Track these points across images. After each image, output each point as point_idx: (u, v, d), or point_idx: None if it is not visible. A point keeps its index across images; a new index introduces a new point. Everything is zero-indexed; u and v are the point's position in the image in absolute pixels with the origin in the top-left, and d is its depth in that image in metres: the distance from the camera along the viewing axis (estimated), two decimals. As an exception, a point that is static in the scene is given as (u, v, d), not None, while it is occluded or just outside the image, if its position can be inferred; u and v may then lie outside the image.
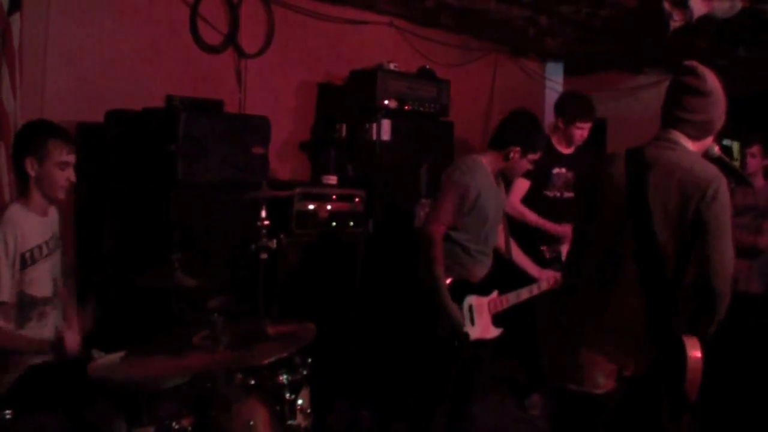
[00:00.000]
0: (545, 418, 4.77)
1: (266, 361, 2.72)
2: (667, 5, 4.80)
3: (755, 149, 4.74)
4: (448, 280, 3.58)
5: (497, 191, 3.77)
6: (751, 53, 5.76)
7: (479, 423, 4.21)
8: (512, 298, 3.81)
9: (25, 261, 2.91)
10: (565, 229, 4.55)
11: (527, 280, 3.94)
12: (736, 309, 2.66)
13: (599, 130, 6.24)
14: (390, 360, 4.59)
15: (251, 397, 2.92)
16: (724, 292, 2.53)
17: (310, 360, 3.20)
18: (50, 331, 3.02)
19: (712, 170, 2.59)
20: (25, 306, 2.93)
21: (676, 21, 4.84)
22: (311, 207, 4.58)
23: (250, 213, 3.45)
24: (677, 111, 2.69)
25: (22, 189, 3.02)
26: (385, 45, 5.85)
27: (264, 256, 3.46)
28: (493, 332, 3.76)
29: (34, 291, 2.95)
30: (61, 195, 3.03)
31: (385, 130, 5.15)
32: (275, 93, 5.24)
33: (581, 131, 4.85)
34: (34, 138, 2.97)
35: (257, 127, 4.32)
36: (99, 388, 2.75)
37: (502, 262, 3.96)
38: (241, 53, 5.00)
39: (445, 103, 5.56)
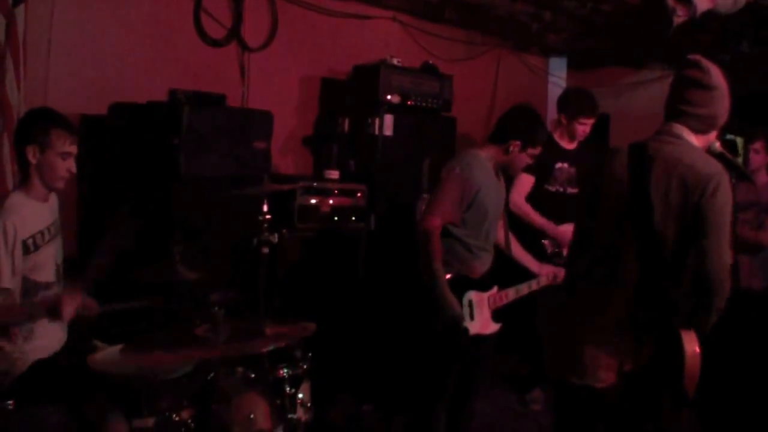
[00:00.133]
0: (546, 412, 4.78)
1: (265, 350, 2.72)
2: (670, 1, 4.79)
3: (758, 145, 4.73)
4: (448, 276, 3.56)
5: (497, 186, 3.76)
6: (754, 49, 5.75)
7: (480, 418, 4.21)
8: (512, 293, 3.80)
9: (28, 247, 2.91)
10: (565, 231, 4.56)
11: (527, 275, 3.93)
12: (737, 305, 2.66)
13: (602, 126, 6.23)
14: (392, 355, 4.59)
15: (251, 391, 2.93)
16: (721, 287, 2.53)
17: (310, 354, 3.21)
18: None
19: (715, 166, 2.59)
20: (29, 291, 2.94)
21: (680, 17, 4.83)
22: (313, 201, 4.58)
23: (252, 207, 3.45)
24: (681, 104, 2.69)
25: (23, 176, 3.03)
26: (388, 40, 5.84)
27: (265, 250, 3.46)
28: (493, 327, 3.75)
29: (37, 276, 2.95)
30: (61, 185, 3.04)
31: (387, 125, 5.15)
32: (278, 87, 5.24)
33: (583, 127, 4.85)
34: (37, 126, 2.97)
35: (260, 122, 4.32)
36: (99, 381, 2.76)
37: (503, 258, 3.96)
38: (244, 47, 5.01)
39: (448, 98, 5.55)
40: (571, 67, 7.64)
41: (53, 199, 3.14)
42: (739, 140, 4.70)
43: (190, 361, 2.89)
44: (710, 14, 4.89)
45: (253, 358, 3.04)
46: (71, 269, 3.22)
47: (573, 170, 4.86)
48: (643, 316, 2.61)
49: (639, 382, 2.70)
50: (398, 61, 5.26)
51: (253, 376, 3.02)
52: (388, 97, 5.07)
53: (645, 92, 6.90)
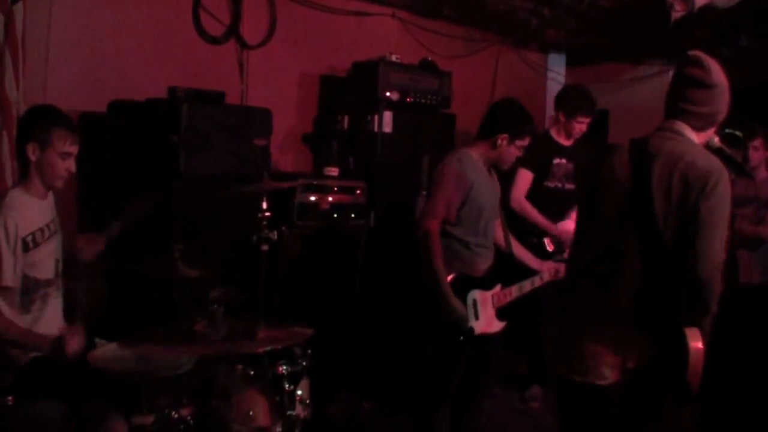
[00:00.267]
0: (546, 410, 4.79)
1: (262, 350, 2.73)
2: (668, -4, 4.80)
3: (758, 142, 4.73)
4: (451, 276, 3.57)
5: (490, 182, 3.77)
6: (752, 43, 5.74)
7: (480, 415, 4.22)
8: (515, 290, 3.81)
9: (27, 245, 2.91)
10: (566, 229, 4.57)
11: (530, 272, 3.93)
12: (737, 299, 2.66)
13: (601, 121, 6.24)
14: (392, 353, 4.60)
15: (251, 388, 2.93)
16: (711, 285, 2.52)
17: (309, 351, 3.21)
18: (51, 313, 3.04)
19: (715, 163, 2.58)
20: (29, 289, 2.94)
21: (678, 11, 4.84)
22: (313, 199, 4.58)
23: (252, 204, 3.45)
24: (681, 103, 2.68)
25: (23, 173, 3.02)
26: (387, 37, 5.84)
27: (265, 247, 3.46)
28: (498, 326, 3.76)
29: (37, 273, 2.95)
30: (59, 184, 3.03)
31: (386, 122, 5.15)
32: (277, 85, 5.24)
33: (581, 125, 4.86)
34: (38, 124, 2.96)
35: (259, 119, 4.32)
36: (98, 377, 2.77)
37: (504, 256, 3.96)
38: (243, 45, 5.00)
39: (447, 95, 5.55)
40: (570, 63, 7.64)
41: (51, 196, 3.14)
42: (739, 133, 4.69)
43: (189, 359, 2.90)
44: (708, 9, 4.89)
45: (253, 355, 3.04)
46: (70, 266, 3.22)
47: (571, 166, 4.87)
48: (646, 314, 2.61)
49: (643, 380, 2.70)
50: (397, 58, 5.26)
51: (252, 373, 3.02)
52: (387, 94, 5.08)
53: (644, 88, 6.91)
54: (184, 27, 4.69)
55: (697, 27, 5.49)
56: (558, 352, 2.90)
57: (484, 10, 5.97)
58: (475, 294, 3.66)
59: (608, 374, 2.68)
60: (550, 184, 4.85)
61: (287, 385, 3.04)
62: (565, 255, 4.14)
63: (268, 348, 2.67)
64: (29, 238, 2.92)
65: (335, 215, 4.71)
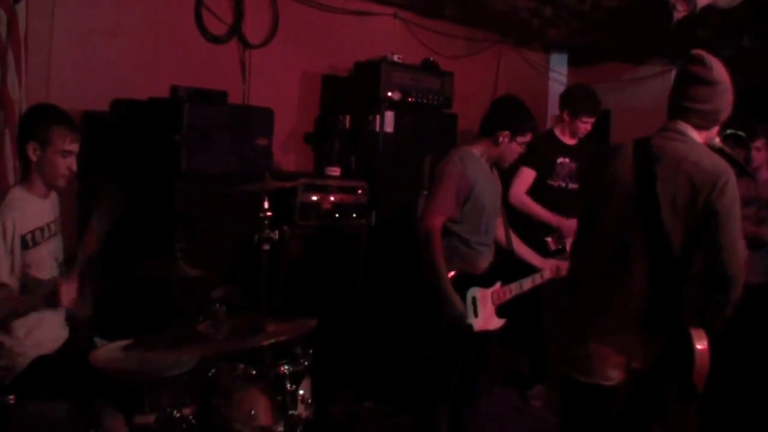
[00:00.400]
0: (547, 409, 4.79)
1: (266, 342, 2.72)
2: (670, -4, 4.80)
3: (760, 143, 4.72)
4: (451, 273, 3.57)
5: (493, 180, 3.77)
6: (754, 43, 5.74)
7: (481, 414, 4.22)
8: (515, 288, 3.81)
9: (26, 243, 2.91)
10: (569, 223, 4.57)
11: (530, 270, 3.94)
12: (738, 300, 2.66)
13: (603, 121, 6.23)
14: (393, 352, 4.60)
15: (252, 387, 2.93)
16: (738, 281, 2.55)
17: (311, 351, 3.21)
18: (51, 313, 3.03)
19: (721, 163, 2.59)
20: (29, 287, 2.94)
21: (680, 11, 4.83)
22: (314, 198, 4.58)
23: (253, 204, 3.45)
24: (684, 101, 2.68)
25: (24, 172, 3.03)
26: (389, 36, 5.84)
27: (266, 247, 3.46)
28: (497, 323, 3.76)
29: (36, 272, 2.95)
30: (61, 183, 3.03)
31: (388, 121, 5.15)
32: (279, 84, 5.24)
33: (585, 125, 4.87)
34: (38, 123, 2.96)
35: (261, 119, 4.32)
36: (100, 376, 2.77)
37: (505, 254, 3.96)
38: (245, 44, 5.00)
39: (449, 95, 5.55)
40: (572, 62, 7.63)
41: (54, 196, 3.14)
42: (741, 134, 4.69)
43: (191, 358, 2.90)
44: (710, 9, 4.89)
45: (254, 355, 3.04)
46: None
47: (574, 165, 4.88)
48: (652, 314, 2.61)
49: (648, 380, 2.70)
50: (399, 58, 5.26)
51: (254, 372, 3.02)
52: (389, 94, 5.08)
53: (646, 88, 6.91)
54: (187, 26, 4.69)
55: (699, 27, 5.49)
56: (562, 352, 2.90)
57: (485, 10, 5.97)
58: (475, 291, 3.66)
59: (613, 375, 2.68)
60: (554, 183, 4.86)
61: (289, 385, 3.03)
62: (567, 250, 4.16)
63: (272, 341, 2.66)
64: (28, 236, 2.92)
65: (337, 215, 4.71)
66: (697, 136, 2.68)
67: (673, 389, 2.66)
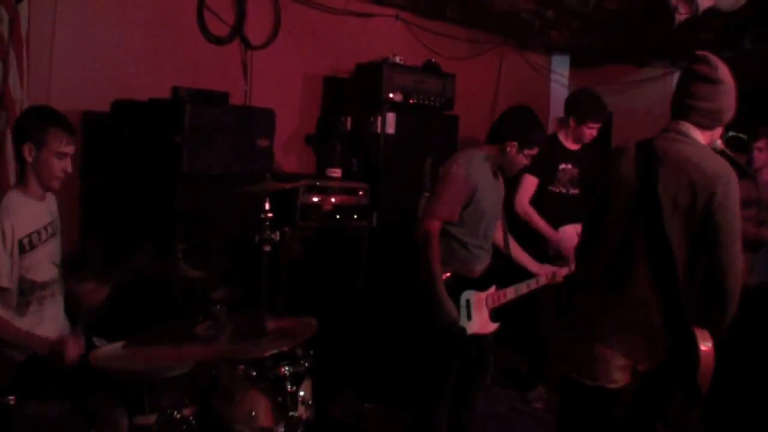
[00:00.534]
0: (548, 411, 4.78)
1: (267, 354, 2.73)
2: (673, -2, 4.80)
3: (762, 143, 4.72)
4: (446, 275, 3.57)
5: (495, 185, 3.77)
6: (756, 45, 5.74)
7: (482, 415, 4.22)
8: (511, 292, 3.80)
9: (24, 246, 2.91)
10: (564, 240, 4.57)
11: (526, 274, 3.93)
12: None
13: (605, 124, 6.22)
14: (393, 353, 4.60)
15: (253, 388, 2.93)
16: (734, 292, 2.54)
17: (311, 352, 3.21)
18: (49, 315, 3.04)
19: (723, 166, 2.58)
20: (26, 291, 2.94)
21: (682, 14, 4.83)
22: (315, 200, 4.58)
23: (254, 205, 3.46)
24: (687, 99, 2.67)
25: (21, 174, 3.02)
26: (391, 38, 5.84)
27: (267, 248, 3.46)
28: (491, 327, 3.75)
29: (33, 276, 2.94)
30: (56, 185, 3.02)
31: (390, 123, 5.15)
32: (281, 85, 5.24)
33: (591, 131, 4.84)
34: (34, 124, 2.95)
35: (262, 120, 4.32)
36: (101, 377, 2.77)
37: (502, 257, 3.96)
38: (247, 45, 5.00)
39: (450, 96, 5.55)
40: (574, 65, 7.64)
41: (51, 198, 3.13)
42: (743, 136, 4.69)
43: (191, 361, 2.89)
44: (712, 11, 4.89)
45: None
46: (72, 269, 3.22)
47: (576, 171, 4.87)
48: (656, 316, 2.61)
49: (652, 382, 2.69)
50: (401, 60, 5.26)
51: (254, 373, 3.01)
52: (391, 95, 5.08)
53: (648, 90, 6.91)
54: (188, 27, 4.69)
55: (701, 30, 5.49)
56: (565, 354, 2.90)
57: (487, 12, 5.97)
58: (469, 294, 3.66)
59: (618, 377, 2.68)
60: (555, 189, 4.85)
61: (290, 386, 3.03)
62: (565, 261, 4.16)
63: (274, 351, 2.66)
64: (26, 240, 2.92)
65: (338, 216, 4.71)
66: (700, 136, 2.67)
67: (678, 390, 2.66)
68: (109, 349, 2.91)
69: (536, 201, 4.80)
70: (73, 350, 2.80)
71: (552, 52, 7.56)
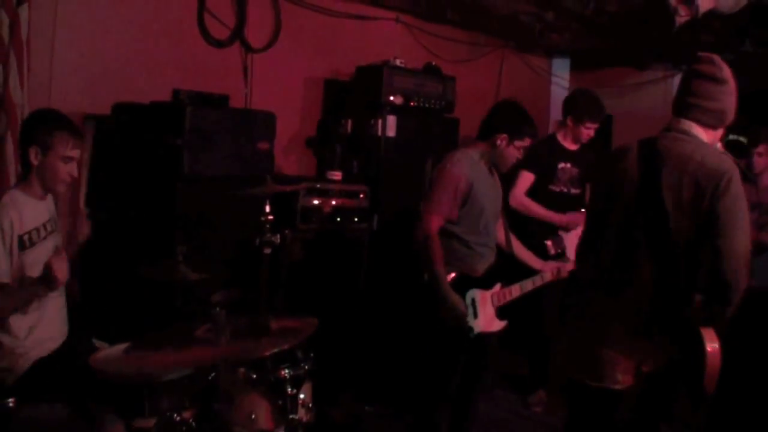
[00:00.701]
0: (548, 414, 4.78)
1: (268, 353, 2.72)
2: (672, 1, 4.79)
3: (762, 148, 4.71)
4: (451, 276, 3.58)
5: (491, 182, 3.78)
6: (757, 48, 5.74)
7: (482, 417, 4.22)
8: (516, 290, 3.81)
9: (24, 243, 2.92)
10: (571, 218, 4.59)
11: (530, 272, 3.94)
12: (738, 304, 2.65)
13: (605, 126, 6.22)
14: (394, 355, 4.59)
15: (253, 391, 2.93)
16: (736, 284, 2.53)
17: (312, 355, 3.21)
18: (51, 313, 3.04)
19: (726, 161, 2.58)
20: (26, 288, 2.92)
21: (682, 16, 4.83)
22: (316, 202, 4.58)
23: (255, 208, 3.46)
24: (690, 98, 2.68)
25: (24, 176, 3.03)
26: (391, 41, 5.84)
27: (268, 251, 3.46)
28: (498, 325, 3.76)
29: (33, 273, 2.93)
30: (61, 189, 3.04)
31: (390, 126, 5.15)
32: (281, 88, 5.24)
33: (588, 131, 4.87)
34: (41, 128, 2.96)
35: (263, 122, 4.33)
36: (100, 380, 2.76)
37: (505, 255, 3.96)
38: (247, 48, 5.00)
39: (451, 99, 5.55)
40: (574, 67, 7.64)
41: (50, 198, 3.14)
42: (743, 140, 4.69)
43: (191, 364, 2.89)
44: (712, 14, 4.89)
45: (255, 358, 3.04)
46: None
47: (576, 171, 4.89)
48: (661, 316, 2.61)
49: (657, 383, 2.69)
50: (401, 62, 5.26)
51: (254, 376, 3.01)
52: (391, 98, 5.08)
53: (648, 93, 6.91)
54: (189, 30, 4.69)
55: (702, 32, 5.49)
56: (571, 357, 2.90)
57: (487, 15, 5.97)
58: (474, 293, 3.67)
59: (623, 379, 2.68)
60: (555, 188, 4.86)
61: (290, 389, 3.03)
62: (568, 256, 4.16)
63: (275, 350, 2.65)
64: (26, 237, 2.93)
65: (338, 219, 4.71)
66: (702, 134, 2.67)
67: (684, 391, 2.66)
68: (109, 352, 2.91)
69: (537, 200, 4.82)
70: (61, 271, 2.75)
71: (552, 55, 7.57)
